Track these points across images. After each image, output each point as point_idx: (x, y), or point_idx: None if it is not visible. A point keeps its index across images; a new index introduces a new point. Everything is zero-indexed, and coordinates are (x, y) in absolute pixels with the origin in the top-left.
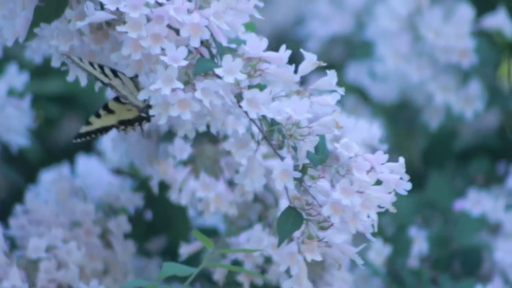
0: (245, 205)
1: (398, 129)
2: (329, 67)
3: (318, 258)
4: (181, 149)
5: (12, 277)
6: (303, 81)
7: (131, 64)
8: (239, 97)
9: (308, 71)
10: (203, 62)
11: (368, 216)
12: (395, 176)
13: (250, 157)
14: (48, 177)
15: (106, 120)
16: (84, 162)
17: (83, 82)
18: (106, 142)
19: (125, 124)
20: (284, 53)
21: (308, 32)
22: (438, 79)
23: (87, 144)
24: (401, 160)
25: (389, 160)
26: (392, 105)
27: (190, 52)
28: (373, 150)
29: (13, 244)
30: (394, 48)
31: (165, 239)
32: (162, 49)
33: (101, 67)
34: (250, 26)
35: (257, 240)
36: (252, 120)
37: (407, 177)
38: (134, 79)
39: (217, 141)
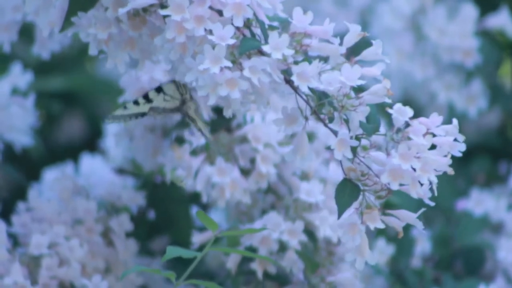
0: (254, 197)
1: None
2: None
3: (381, 226)
4: (198, 135)
5: (14, 273)
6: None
7: (176, 47)
8: (285, 74)
9: (353, 43)
10: (248, 41)
11: (428, 180)
12: (449, 138)
13: (299, 133)
14: (51, 175)
15: (142, 108)
16: (87, 161)
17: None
18: (110, 141)
19: (157, 111)
20: (329, 26)
21: None
22: (441, 78)
23: (91, 142)
24: (455, 121)
25: None
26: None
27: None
28: None
29: (15, 242)
30: (397, 47)
31: (168, 238)
32: (206, 30)
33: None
34: None
35: (274, 225)
36: (299, 95)
37: (462, 138)
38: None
39: (231, 129)
